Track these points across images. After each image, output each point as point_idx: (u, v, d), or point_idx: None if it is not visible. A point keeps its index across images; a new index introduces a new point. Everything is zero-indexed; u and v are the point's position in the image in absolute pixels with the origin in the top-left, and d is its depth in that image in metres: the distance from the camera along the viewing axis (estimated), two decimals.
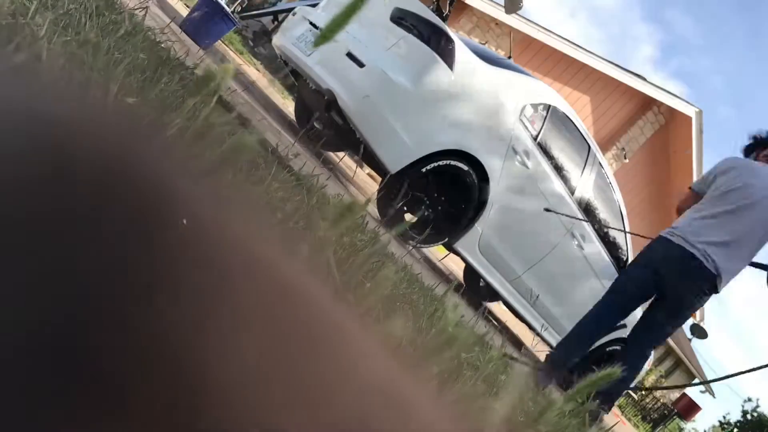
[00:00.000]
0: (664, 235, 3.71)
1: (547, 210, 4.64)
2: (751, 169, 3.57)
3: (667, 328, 3.74)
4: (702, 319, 15.07)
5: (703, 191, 3.74)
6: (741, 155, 3.83)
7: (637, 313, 5.97)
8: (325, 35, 0.51)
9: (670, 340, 18.84)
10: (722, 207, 3.51)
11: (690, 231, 3.55)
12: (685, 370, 20.93)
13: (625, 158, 12.26)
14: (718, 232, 3.47)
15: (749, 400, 26.36)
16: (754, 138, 3.78)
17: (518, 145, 4.46)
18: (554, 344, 5.60)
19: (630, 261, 5.84)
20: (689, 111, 12.30)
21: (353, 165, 6.01)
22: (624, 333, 5.84)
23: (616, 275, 5.67)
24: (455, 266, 6.64)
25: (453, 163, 4.16)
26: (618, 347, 5.87)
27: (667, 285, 3.60)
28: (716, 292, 3.59)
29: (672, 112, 12.41)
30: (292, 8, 5.02)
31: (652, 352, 3.82)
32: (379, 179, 4.69)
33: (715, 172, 3.70)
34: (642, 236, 4.29)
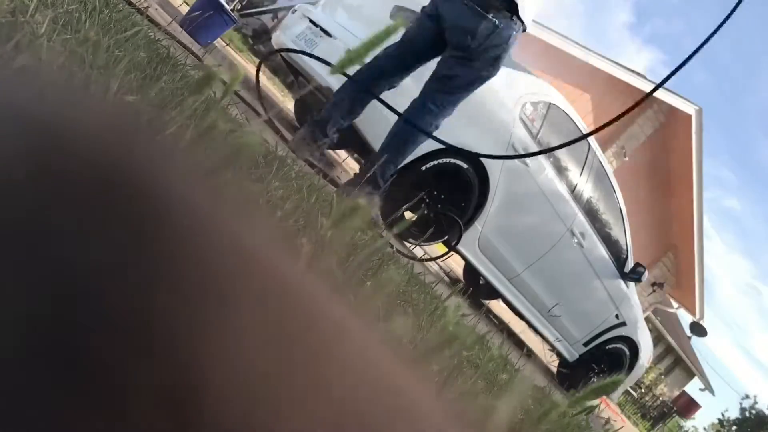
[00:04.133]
0: None
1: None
2: None
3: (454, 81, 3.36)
4: (701, 318, 15.08)
5: None
6: None
7: (637, 311, 5.98)
8: (351, 59, 0.51)
9: (669, 339, 18.85)
10: None
11: None
12: (685, 368, 20.95)
13: (625, 156, 12.26)
14: None
15: (747, 397, 26.41)
16: None
17: (518, 143, 4.46)
18: (554, 343, 5.61)
19: (630, 258, 5.85)
20: (689, 109, 12.30)
21: (353, 163, 6.01)
22: (624, 331, 5.86)
23: (616, 273, 5.68)
24: (455, 265, 6.65)
25: (453, 161, 4.16)
26: (618, 345, 5.88)
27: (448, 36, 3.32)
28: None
29: (672, 110, 12.41)
30: (292, 6, 5.01)
31: (439, 118, 3.38)
32: None
33: None
34: None
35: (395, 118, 3.48)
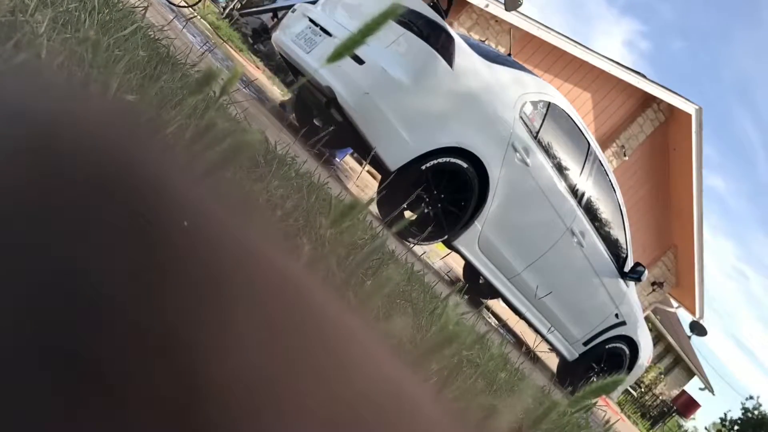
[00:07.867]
0: None
1: None
2: None
3: None
4: (701, 317, 15.08)
5: None
6: None
7: (637, 310, 5.98)
8: (348, 46, 0.51)
9: (669, 338, 18.83)
10: None
11: None
12: (685, 367, 20.96)
13: (625, 155, 12.26)
14: None
15: (750, 398, 26.37)
16: None
17: (518, 142, 4.46)
18: (554, 343, 5.60)
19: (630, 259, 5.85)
20: (689, 108, 12.29)
21: (353, 162, 6.01)
22: (624, 330, 5.86)
23: (616, 273, 5.68)
24: (455, 264, 6.65)
25: (452, 160, 4.16)
26: (618, 345, 5.87)
27: None
28: None
29: (672, 109, 12.41)
30: (292, 5, 5.01)
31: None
32: (379, 176, 4.69)
33: None
34: None
35: (392, 113, 3.48)
